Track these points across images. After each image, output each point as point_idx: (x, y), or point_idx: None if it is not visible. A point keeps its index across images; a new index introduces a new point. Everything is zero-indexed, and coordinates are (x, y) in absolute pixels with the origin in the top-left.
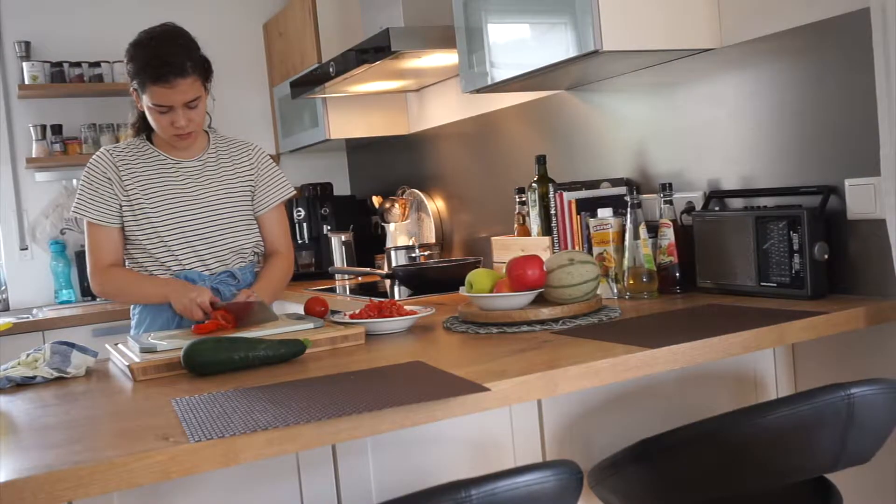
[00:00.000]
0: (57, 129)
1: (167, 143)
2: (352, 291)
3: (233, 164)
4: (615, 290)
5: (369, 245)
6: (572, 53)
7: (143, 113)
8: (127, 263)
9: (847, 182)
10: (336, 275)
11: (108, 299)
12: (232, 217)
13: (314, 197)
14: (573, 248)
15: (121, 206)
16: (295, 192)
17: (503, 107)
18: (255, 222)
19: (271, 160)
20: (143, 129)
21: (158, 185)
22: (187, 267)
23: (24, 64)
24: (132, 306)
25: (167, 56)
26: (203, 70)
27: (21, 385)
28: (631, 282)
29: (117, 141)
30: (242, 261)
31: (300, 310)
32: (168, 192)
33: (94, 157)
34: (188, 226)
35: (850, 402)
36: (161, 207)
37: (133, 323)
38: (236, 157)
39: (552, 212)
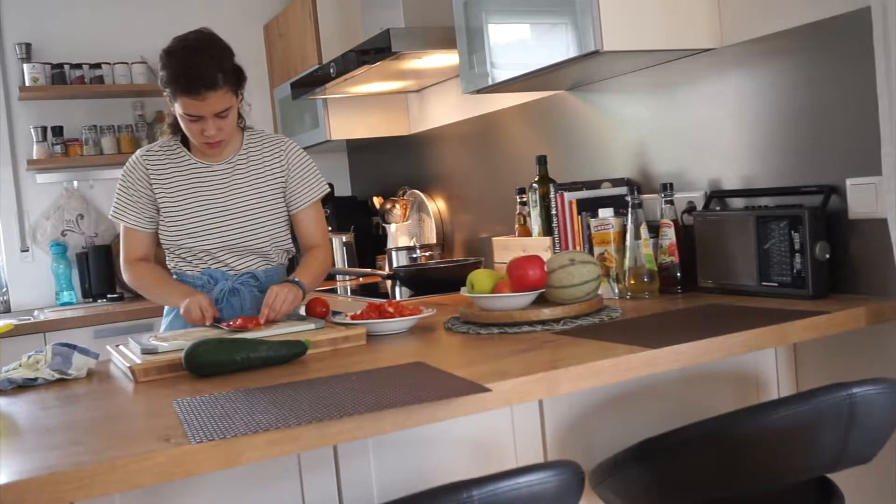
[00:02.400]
0: (58, 131)
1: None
2: (353, 292)
3: (263, 162)
4: (616, 291)
5: (370, 246)
6: (573, 54)
7: (173, 117)
8: (167, 254)
9: (848, 181)
10: (337, 276)
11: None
12: (257, 219)
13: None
14: (574, 248)
15: (156, 211)
16: (329, 188)
17: (504, 107)
18: (284, 222)
19: (305, 155)
20: (179, 129)
21: (185, 189)
22: (212, 267)
23: (25, 65)
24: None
25: (198, 68)
26: (235, 79)
27: (22, 387)
28: (632, 282)
29: (118, 143)
30: (268, 263)
31: (301, 311)
32: (192, 197)
33: (129, 161)
34: (209, 229)
35: (852, 402)
36: (184, 211)
37: (165, 311)
38: (267, 154)
39: (553, 212)
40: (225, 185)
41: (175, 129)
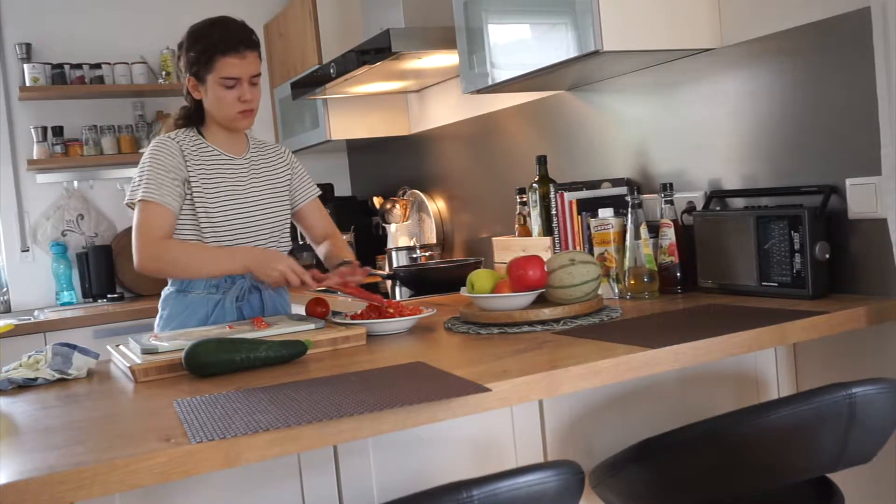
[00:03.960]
0: (58, 131)
1: (218, 138)
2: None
3: (271, 163)
4: (616, 291)
5: (370, 246)
6: (573, 54)
7: (188, 109)
8: None
9: (848, 181)
10: None
11: (155, 274)
12: (275, 215)
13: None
14: (574, 248)
15: (183, 193)
16: (320, 191)
17: (504, 107)
18: (288, 223)
19: (298, 160)
20: (192, 121)
21: (217, 178)
22: None
23: (25, 66)
24: (161, 302)
25: (238, 30)
26: (260, 52)
27: (23, 387)
28: (632, 282)
29: (118, 143)
30: None
31: (301, 311)
32: (225, 187)
33: (157, 141)
34: (240, 222)
35: (852, 402)
36: (219, 201)
37: (162, 315)
38: (272, 157)
39: (553, 212)
40: (248, 178)
41: (188, 120)
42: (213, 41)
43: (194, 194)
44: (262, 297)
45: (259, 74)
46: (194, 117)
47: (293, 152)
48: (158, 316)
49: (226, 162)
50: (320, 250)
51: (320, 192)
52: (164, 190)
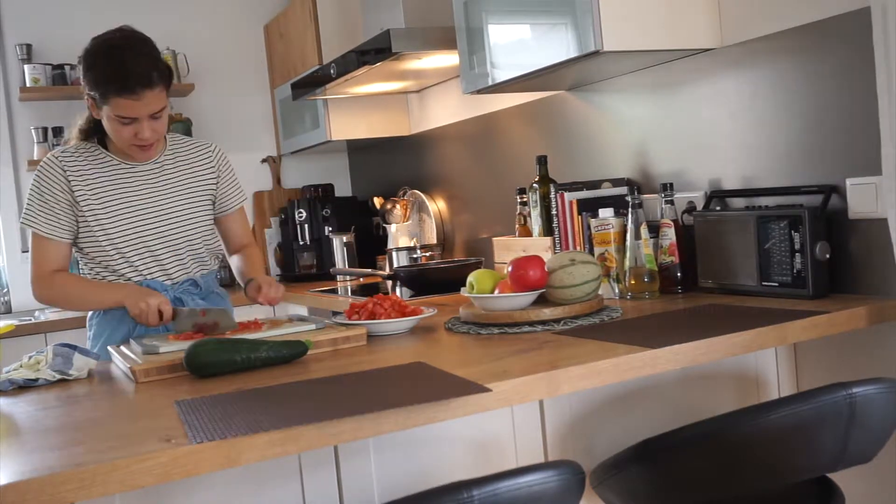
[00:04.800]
0: (58, 132)
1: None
2: (353, 293)
3: (191, 164)
4: (616, 291)
5: (371, 246)
6: (573, 54)
7: (94, 119)
8: (89, 270)
9: (848, 181)
10: (337, 276)
11: (52, 305)
12: (193, 222)
13: (315, 198)
14: (574, 248)
15: (75, 218)
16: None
17: (504, 107)
18: (213, 225)
19: (230, 162)
20: (92, 133)
21: (112, 191)
22: (148, 277)
23: (26, 66)
24: (89, 318)
25: (134, 67)
26: (167, 80)
27: (23, 387)
28: (632, 282)
29: None
30: (204, 268)
31: (302, 311)
32: (123, 199)
33: (41, 163)
34: (146, 233)
35: (852, 402)
36: (115, 215)
37: (90, 335)
38: (195, 157)
39: (553, 212)
40: (154, 186)
41: (86, 134)
42: (106, 77)
43: (86, 212)
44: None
45: (163, 108)
46: (96, 130)
47: (294, 153)
48: (87, 336)
49: (125, 171)
50: (233, 262)
51: (245, 199)
52: (50, 221)
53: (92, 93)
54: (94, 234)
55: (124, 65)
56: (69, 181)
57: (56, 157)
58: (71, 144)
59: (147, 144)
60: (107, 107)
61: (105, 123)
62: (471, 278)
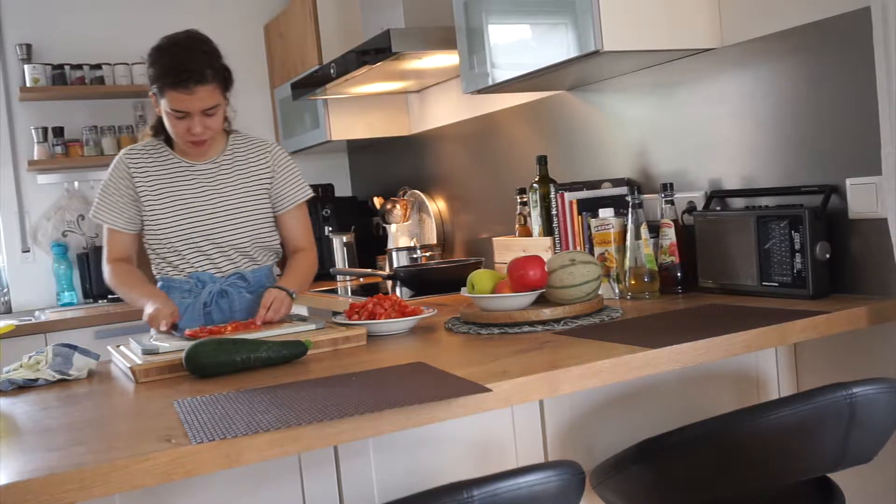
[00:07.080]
0: (58, 132)
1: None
2: (353, 293)
3: (248, 163)
4: (617, 291)
5: (371, 246)
6: (573, 54)
7: (160, 118)
8: (152, 259)
9: (848, 181)
10: (338, 276)
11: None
12: (243, 219)
13: (315, 198)
14: (574, 248)
15: (139, 212)
16: (313, 193)
17: (504, 107)
18: (269, 223)
19: (290, 159)
20: (161, 131)
21: (169, 188)
22: (199, 269)
23: (26, 66)
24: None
25: (188, 62)
26: (223, 79)
27: (23, 387)
28: (632, 282)
29: (118, 144)
30: (254, 263)
31: (302, 311)
32: (178, 196)
33: (113, 161)
34: (195, 230)
35: (852, 402)
36: (169, 211)
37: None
38: (253, 156)
39: (553, 212)
40: (208, 185)
41: (157, 130)
42: (164, 69)
43: (146, 206)
44: (230, 301)
45: (216, 106)
46: (162, 127)
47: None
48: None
49: (184, 169)
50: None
51: (308, 197)
52: (115, 213)
53: (153, 87)
54: (152, 227)
55: (179, 61)
56: (132, 177)
57: (123, 157)
58: (141, 141)
59: (200, 140)
60: (164, 101)
61: (164, 119)
62: (471, 278)
